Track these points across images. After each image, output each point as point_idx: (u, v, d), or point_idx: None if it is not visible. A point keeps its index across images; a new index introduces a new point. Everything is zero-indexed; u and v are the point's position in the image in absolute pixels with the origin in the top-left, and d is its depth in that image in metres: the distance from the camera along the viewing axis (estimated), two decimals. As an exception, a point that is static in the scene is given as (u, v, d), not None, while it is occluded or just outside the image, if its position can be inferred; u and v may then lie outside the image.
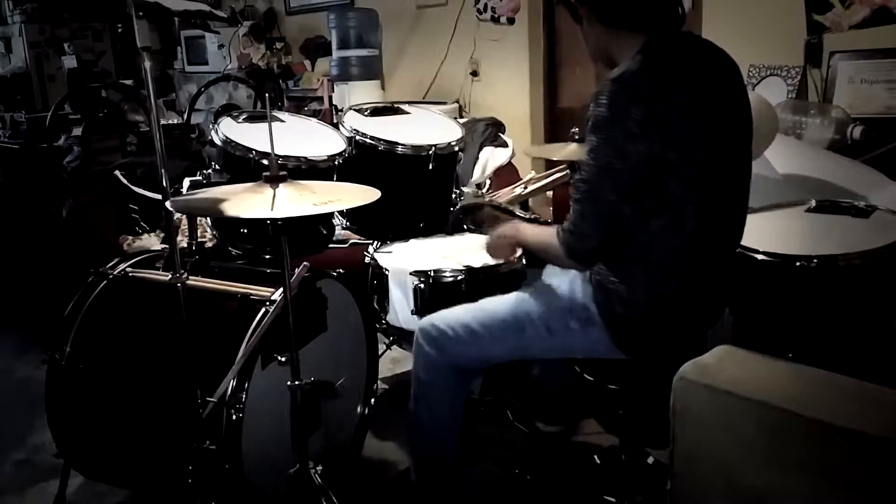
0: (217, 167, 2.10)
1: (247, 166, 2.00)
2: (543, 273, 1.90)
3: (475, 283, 2.01)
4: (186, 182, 2.01)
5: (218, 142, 2.08)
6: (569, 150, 2.35)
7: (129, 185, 3.21)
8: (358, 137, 2.24)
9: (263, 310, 1.76)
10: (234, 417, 1.68)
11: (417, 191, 2.33)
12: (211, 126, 2.21)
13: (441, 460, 1.85)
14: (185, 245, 2.03)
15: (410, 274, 2.06)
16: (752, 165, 1.66)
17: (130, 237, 3.15)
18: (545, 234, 1.62)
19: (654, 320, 1.58)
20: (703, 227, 1.51)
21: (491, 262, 2.07)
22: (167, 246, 2.10)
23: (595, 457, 2.18)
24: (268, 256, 2.14)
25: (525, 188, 3.07)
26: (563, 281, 1.71)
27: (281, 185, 1.54)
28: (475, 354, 1.76)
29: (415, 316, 2.04)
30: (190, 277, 1.74)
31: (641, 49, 1.49)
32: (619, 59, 1.55)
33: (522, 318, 1.69)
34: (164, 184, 1.67)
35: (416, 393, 1.82)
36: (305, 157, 2.08)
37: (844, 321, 1.80)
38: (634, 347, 1.63)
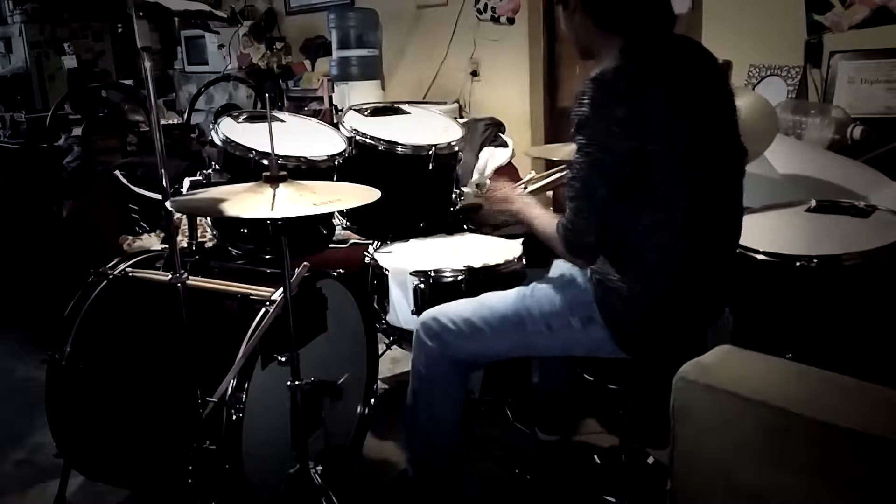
0: (217, 167, 2.10)
1: (247, 166, 2.00)
2: (550, 271, 1.90)
3: (475, 283, 2.01)
4: (186, 182, 2.01)
5: (218, 142, 2.08)
6: (569, 150, 2.34)
7: (129, 185, 3.21)
8: (358, 137, 2.24)
9: (263, 310, 1.76)
10: (234, 417, 1.68)
11: (417, 191, 2.33)
12: (211, 126, 2.21)
13: (439, 456, 1.85)
14: (185, 245, 2.03)
15: (410, 274, 2.06)
16: (744, 161, 1.68)
17: (130, 237, 3.15)
18: (550, 225, 1.64)
19: (653, 318, 1.59)
20: (693, 221, 1.53)
21: (491, 261, 2.07)
22: (167, 246, 2.10)
23: (595, 457, 2.19)
24: (268, 256, 2.14)
25: (525, 188, 3.07)
26: (566, 279, 1.71)
27: (281, 185, 1.54)
28: (476, 349, 1.76)
29: (415, 316, 2.04)
30: (190, 277, 1.74)
31: (623, 48, 1.53)
32: (601, 55, 1.59)
33: (523, 314, 1.70)
34: (164, 184, 1.68)
35: (414, 388, 1.82)
36: (305, 157, 2.08)
37: (844, 321, 1.80)
38: (635, 346, 1.64)
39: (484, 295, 1.81)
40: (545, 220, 1.70)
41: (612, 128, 1.45)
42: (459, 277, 2.04)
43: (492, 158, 3.54)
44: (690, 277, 1.57)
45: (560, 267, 1.86)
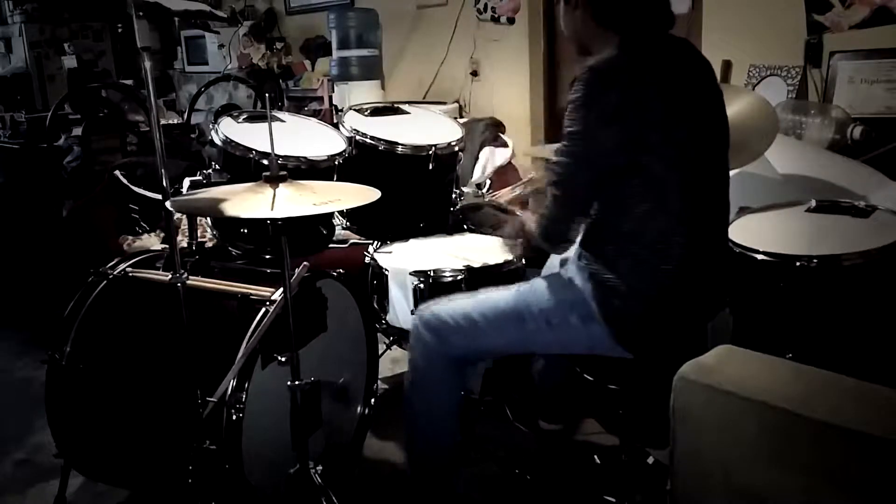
0: (217, 167, 2.10)
1: (247, 166, 2.00)
2: (544, 268, 1.90)
3: (475, 283, 2.01)
4: (186, 182, 2.01)
5: (218, 142, 2.09)
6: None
7: (129, 185, 3.21)
8: (358, 137, 2.24)
9: (263, 310, 1.76)
10: (234, 417, 1.68)
11: (417, 191, 2.33)
12: (211, 126, 2.21)
13: (439, 456, 1.84)
14: (185, 245, 2.04)
15: (410, 274, 2.06)
16: (728, 160, 1.70)
17: (130, 237, 3.15)
18: (531, 219, 1.74)
19: (653, 311, 1.59)
20: (690, 210, 1.55)
21: (491, 261, 2.07)
22: (167, 246, 2.10)
23: (595, 457, 2.18)
24: (268, 256, 2.14)
25: (525, 188, 3.07)
26: (564, 279, 1.71)
27: (281, 185, 1.54)
28: (474, 345, 1.75)
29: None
30: (190, 277, 1.74)
31: (620, 43, 1.55)
32: (598, 51, 1.60)
33: (523, 310, 1.69)
34: (164, 184, 1.68)
35: (412, 382, 1.82)
36: (305, 157, 2.08)
37: (844, 321, 1.80)
38: (635, 342, 1.63)
39: (483, 291, 1.80)
40: (527, 217, 1.79)
41: (606, 114, 1.48)
42: (459, 277, 2.04)
43: (492, 158, 3.54)
44: (691, 266, 1.58)
45: (556, 265, 1.86)
